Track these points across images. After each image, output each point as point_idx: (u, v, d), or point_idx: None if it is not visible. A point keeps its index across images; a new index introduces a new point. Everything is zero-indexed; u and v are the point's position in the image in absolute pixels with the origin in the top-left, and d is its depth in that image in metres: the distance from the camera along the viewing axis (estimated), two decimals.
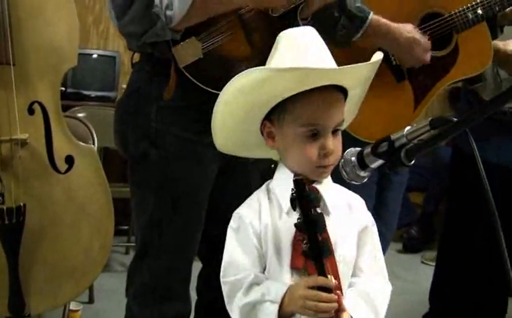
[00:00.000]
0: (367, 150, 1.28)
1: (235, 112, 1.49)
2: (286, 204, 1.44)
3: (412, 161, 1.19)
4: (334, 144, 1.43)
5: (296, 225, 1.31)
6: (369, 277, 1.52)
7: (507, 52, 2.72)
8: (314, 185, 1.48)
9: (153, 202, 1.99)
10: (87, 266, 2.51)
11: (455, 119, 1.06)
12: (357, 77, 1.46)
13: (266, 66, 1.47)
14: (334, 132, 1.44)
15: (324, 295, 1.32)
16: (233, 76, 1.90)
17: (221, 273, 1.52)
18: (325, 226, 1.31)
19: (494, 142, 2.90)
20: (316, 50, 1.46)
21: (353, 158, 1.32)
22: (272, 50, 1.50)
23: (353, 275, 1.52)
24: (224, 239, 1.56)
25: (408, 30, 2.31)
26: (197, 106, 1.92)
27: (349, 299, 1.45)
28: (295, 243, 1.43)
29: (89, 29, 5.05)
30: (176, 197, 1.97)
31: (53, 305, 2.55)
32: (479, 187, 1.03)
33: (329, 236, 1.41)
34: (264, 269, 1.48)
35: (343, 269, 1.46)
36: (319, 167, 1.44)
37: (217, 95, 1.87)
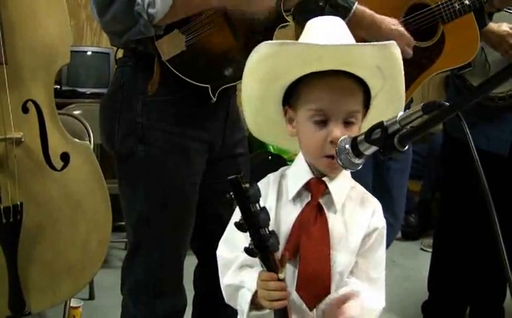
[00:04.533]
0: (361, 137, 1.28)
1: (256, 94, 1.51)
2: (293, 191, 1.47)
3: (406, 147, 1.19)
4: (345, 134, 1.40)
5: (235, 224, 1.31)
6: (368, 288, 1.50)
7: (500, 33, 2.73)
8: (325, 179, 1.47)
9: (142, 198, 1.98)
10: (86, 263, 2.51)
11: (448, 103, 1.06)
12: (361, 60, 1.42)
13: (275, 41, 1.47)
14: (348, 123, 1.43)
15: (272, 284, 1.35)
16: (217, 68, 1.91)
17: (219, 246, 1.55)
18: (269, 219, 1.30)
19: (483, 129, 2.92)
20: (344, 33, 1.48)
21: (347, 146, 1.31)
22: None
23: (352, 274, 1.50)
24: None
25: (392, 22, 2.32)
26: (183, 99, 1.93)
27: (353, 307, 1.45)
28: (291, 233, 1.45)
29: (83, 26, 5.05)
30: (165, 192, 1.96)
31: (53, 302, 2.55)
32: (472, 172, 1.03)
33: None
34: None
35: (336, 271, 1.46)
36: (326, 157, 1.42)
37: (202, 87, 1.87)
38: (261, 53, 1.43)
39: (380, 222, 1.53)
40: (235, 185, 1.28)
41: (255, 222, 1.28)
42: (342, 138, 1.35)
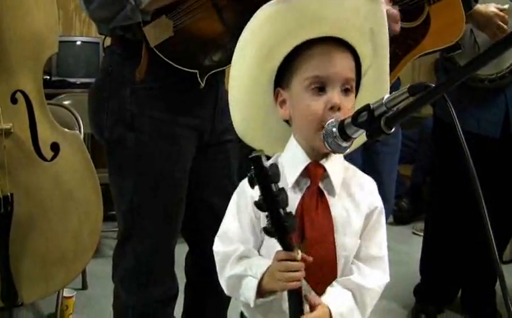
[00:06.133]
0: (348, 120, 1.28)
1: (244, 77, 1.48)
2: (292, 179, 1.44)
3: (393, 129, 1.19)
4: (343, 102, 1.39)
5: (255, 203, 1.28)
6: (368, 269, 1.49)
7: (487, 14, 2.73)
8: (321, 162, 1.45)
9: (132, 186, 1.98)
10: (78, 252, 2.51)
11: (433, 85, 1.06)
12: (356, 18, 1.41)
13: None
14: (345, 91, 1.41)
15: (291, 263, 1.32)
16: (205, 53, 1.89)
17: (215, 243, 1.52)
18: (287, 201, 1.27)
19: (473, 112, 2.93)
20: None
21: (334, 129, 1.31)
22: None
23: (356, 257, 1.49)
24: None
25: None
26: (171, 86, 1.93)
27: (338, 290, 1.44)
28: None
29: (72, 16, 5.03)
30: (155, 179, 1.97)
31: (45, 293, 2.55)
32: (461, 155, 1.04)
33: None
34: (261, 245, 1.48)
35: (342, 254, 1.45)
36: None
37: (190, 73, 1.86)
38: (256, 23, 1.42)
39: (378, 200, 1.53)
40: (256, 163, 1.24)
41: (274, 202, 1.25)
42: (329, 121, 1.34)
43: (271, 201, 1.25)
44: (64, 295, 2.99)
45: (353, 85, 1.44)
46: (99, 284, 3.44)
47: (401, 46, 2.44)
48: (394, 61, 2.43)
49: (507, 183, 3.09)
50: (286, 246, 1.32)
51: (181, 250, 2.17)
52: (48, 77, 4.41)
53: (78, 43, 4.88)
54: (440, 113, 3.13)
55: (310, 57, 1.41)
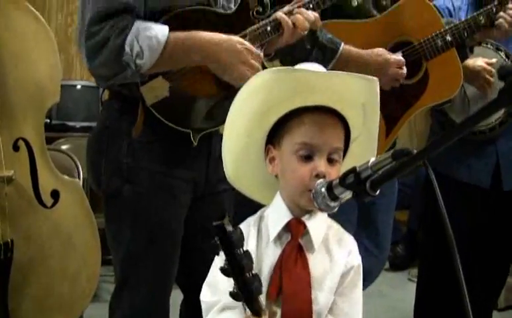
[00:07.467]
0: (336, 181, 1.34)
1: (239, 131, 1.54)
2: (274, 233, 1.50)
3: (378, 192, 1.24)
4: (329, 170, 1.45)
5: (221, 269, 1.31)
6: None
7: (475, 68, 2.80)
8: (304, 219, 1.50)
9: (129, 236, 2.02)
10: (76, 298, 2.53)
11: (415, 151, 1.12)
12: (349, 93, 1.47)
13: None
14: (331, 161, 1.48)
15: None
16: (199, 114, 1.95)
17: (202, 290, 1.57)
18: (252, 263, 1.30)
19: (465, 161, 2.96)
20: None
21: (323, 189, 1.36)
22: None
23: (331, 312, 1.52)
24: (202, 268, 1.60)
25: (378, 53, 2.37)
26: (167, 140, 1.98)
27: None
28: (273, 274, 1.48)
29: (73, 60, 5.09)
30: (151, 230, 2.01)
31: None
32: (450, 205, 1.09)
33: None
34: None
35: (314, 309, 1.48)
36: (310, 191, 1.43)
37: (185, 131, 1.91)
38: (254, 85, 1.48)
39: (356, 260, 1.56)
40: (219, 230, 1.28)
41: (239, 267, 1.29)
42: (318, 181, 1.40)
43: (236, 265, 1.29)
44: None
45: (340, 154, 1.51)
46: None
47: (401, 103, 2.48)
48: (395, 120, 2.48)
49: (498, 232, 3.13)
50: (254, 309, 1.34)
51: (176, 297, 2.20)
52: (48, 121, 4.45)
53: (78, 87, 4.93)
54: (431, 162, 3.17)
55: (301, 123, 1.48)
